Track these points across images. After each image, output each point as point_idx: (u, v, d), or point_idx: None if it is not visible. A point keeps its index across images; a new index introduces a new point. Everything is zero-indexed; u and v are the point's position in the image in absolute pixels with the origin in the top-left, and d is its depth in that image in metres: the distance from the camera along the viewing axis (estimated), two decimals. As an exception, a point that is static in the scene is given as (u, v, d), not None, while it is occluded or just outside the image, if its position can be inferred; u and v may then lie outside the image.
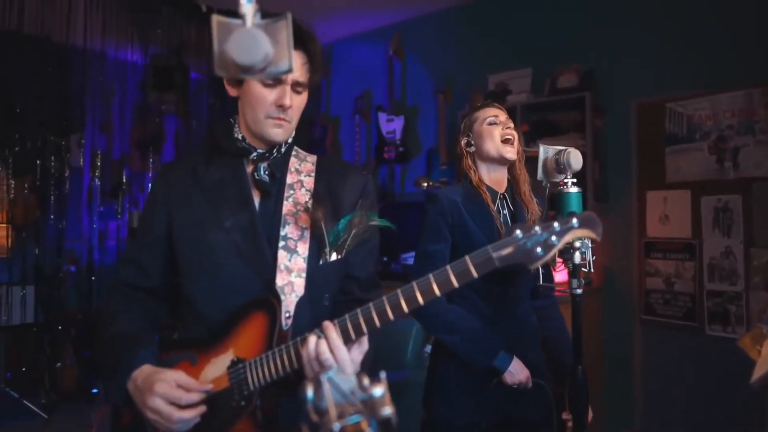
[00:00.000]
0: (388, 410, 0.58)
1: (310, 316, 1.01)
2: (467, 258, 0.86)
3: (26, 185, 3.58)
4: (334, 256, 1.06)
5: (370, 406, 0.59)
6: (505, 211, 1.53)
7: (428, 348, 2.80)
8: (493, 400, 1.43)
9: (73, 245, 4.13)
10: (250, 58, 0.71)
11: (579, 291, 1.23)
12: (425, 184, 3.54)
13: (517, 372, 1.41)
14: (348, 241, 1.05)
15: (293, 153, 1.15)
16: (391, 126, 3.96)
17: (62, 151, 3.73)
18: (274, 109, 1.04)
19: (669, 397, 2.86)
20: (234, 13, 0.72)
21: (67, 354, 3.59)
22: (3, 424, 3.28)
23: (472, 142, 1.54)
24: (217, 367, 1.00)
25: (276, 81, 1.02)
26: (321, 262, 1.05)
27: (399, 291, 0.90)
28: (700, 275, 2.78)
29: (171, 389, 0.95)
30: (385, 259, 3.63)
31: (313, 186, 1.11)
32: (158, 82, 3.98)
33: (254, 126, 1.08)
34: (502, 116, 1.54)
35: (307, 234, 1.06)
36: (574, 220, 0.87)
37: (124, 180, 4.25)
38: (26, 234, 3.60)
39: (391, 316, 0.90)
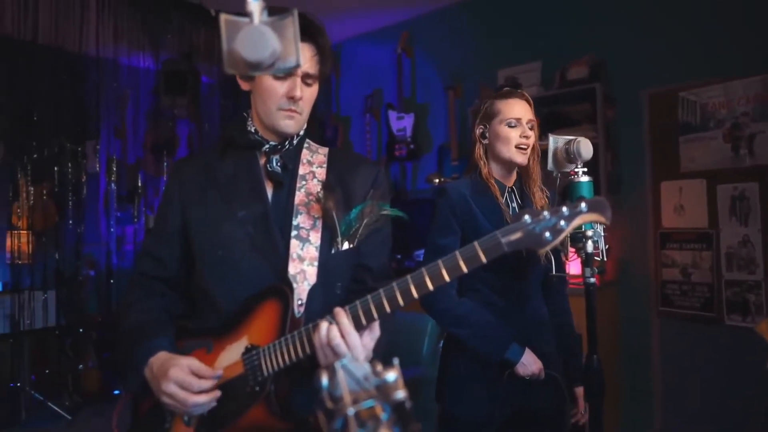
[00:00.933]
0: (401, 394, 0.59)
1: (323, 304, 1.03)
2: (476, 243, 0.87)
3: (45, 192, 3.66)
4: (345, 245, 1.07)
5: (383, 390, 0.60)
6: (513, 204, 1.52)
7: (442, 344, 2.82)
8: (506, 392, 1.43)
9: (91, 250, 4.21)
10: (258, 54, 0.72)
11: (592, 280, 1.22)
12: (437, 181, 3.54)
13: (529, 364, 1.41)
14: (360, 231, 1.07)
15: (305, 145, 1.18)
16: (402, 124, 3.97)
17: (79, 158, 3.81)
18: (286, 101, 1.07)
19: (688, 388, 2.83)
20: (242, 14, 0.74)
21: (89, 356, 3.66)
22: (28, 427, 3.35)
23: (487, 135, 1.52)
24: (232, 353, 1.02)
25: (286, 74, 1.04)
26: (333, 251, 1.07)
27: (409, 277, 0.90)
28: (718, 265, 2.74)
29: (185, 375, 0.98)
30: (399, 256, 3.64)
31: (324, 177, 1.13)
32: (170, 86, 4.04)
33: (266, 118, 1.10)
34: (525, 116, 1.49)
35: (319, 223, 1.08)
36: (583, 205, 0.86)
37: (140, 184, 4.32)
38: (46, 240, 3.68)
39: (401, 302, 0.91)
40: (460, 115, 3.72)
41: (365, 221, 1.06)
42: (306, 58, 1.04)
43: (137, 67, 4.11)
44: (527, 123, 1.49)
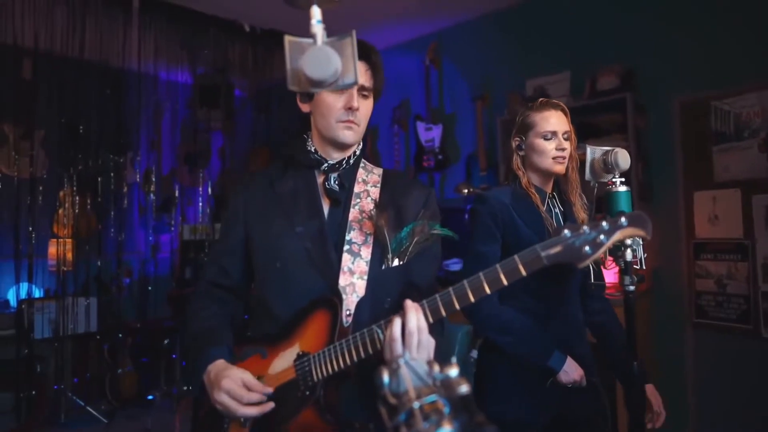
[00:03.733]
0: (465, 388, 0.62)
1: (370, 316, 1.08)
2: (516, 257, 0.90)
3: (88, 201, 3.81)
4: (396, 262, 1.12)
5: (447, 385, 0.64)
6: (556, 210, 1.54)
7: (474, 353, 2.82)
8: (547, 398, 1.44)
9: (129, 258, 4.35)
10: (323, 73, 0.78)
11: (632, 288, 1.24)
12: (465, 191, 3.56)
13: (571, 371, 1.42)
14: (410, 249, 1.12)
15: (361, 165, 1.25)
16: (430, 134, 4.01)
17: (119, 169, 3.96)
18: (344, 113, 1.15)
19: (723, 402, 2.77)
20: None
21: (126, 362, 3.77)
22: (66, 428, 3.46)
23: (524, 147, 1.55)
24: (285, 360, 1.08)
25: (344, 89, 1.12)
26: (383, 267, 1.12)
27: (451, 289, 0.94)
28: (754, 276, 2.70)
29: (236, 387, 1.04)
30: (427, 265, 3.66)
31: (378, 196, 1.19)
32: (204, 100, 4.17)
33: (327, 132, 1.18)
34: (561, 128, 1.51)
35: (370, 239, 1.14)
36: (623, 219, 0.88)
37: (176, 194, 4.45)
38: (88, 247, 3.82)
39: (443, 312, 0.95)
40: (488, 126, 3.75)
41: (416, 239, 1.11)
42: (361, 72, 1.13)
43: (175, 81, 4.26)
44: (563, 134, 1.51)
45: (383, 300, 1.12)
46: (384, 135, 4.48)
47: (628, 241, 1.25)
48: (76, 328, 3.56)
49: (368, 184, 1.22)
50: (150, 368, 3.91)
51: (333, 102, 1.15)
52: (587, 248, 0.88)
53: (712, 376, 2.82)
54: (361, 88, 1.16)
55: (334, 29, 0.78)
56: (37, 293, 3.70)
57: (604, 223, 0.89)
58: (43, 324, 3.47)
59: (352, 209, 1.17)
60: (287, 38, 0.81)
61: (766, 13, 2.71)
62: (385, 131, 4.46)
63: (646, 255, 1.26)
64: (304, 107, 1.21)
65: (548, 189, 1.57)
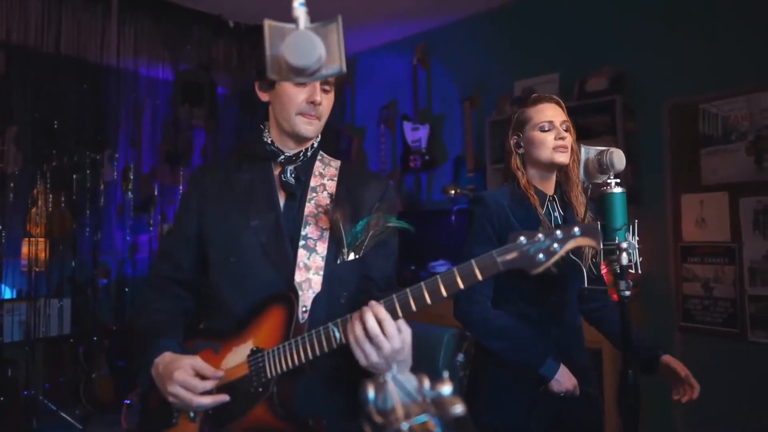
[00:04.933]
0: (459, 408, 0.57)
1: (326, 312, 1.07)
2: (473, 261, 0.90)
3: (62, 199, 3.68)
4: (351, 256, 1.11)
5: (439, 405, 0.58)
6: (555, 214, 1.49)
7: (460, 357, 2.77)
8: (543, 407, 1.40)
9: (105, 258, 4.22)
10: (305, 60, 0.72)
11: (627, 293, 1.20)
12: (453, 192, 3.52)
13: (564, 380, 1.37)
14: (365, 242, 1.11)
15: (318, 157, 1.23)
16: (417, 135, 3.97)
17: (97, 166, 3.84)
18: (306, 106, 1.13)
19: (711, 406, 2.76)
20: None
21: (102, 365, 3.65)
22: (40, 435, 3.35)
23: (522, 144, 1.49)
24: (238, 355, 1.07)
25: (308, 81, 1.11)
26: (338, 262, 1.11)
27: (408, 290, 0.94)
28: (741, 279, 2.69)
29: (188, 377, 1.03)
30: (413, 267, 3.61)
31: (334, 190, 1.18)
32: (187, 97, 4.07)
33: (286, 124, 1.15)
34: (558, 118, 1.45)
35: (326, 234, 1.13)
36: (576, 229, 0.89)
37: (155, 193, 4.34)
38: (62, 247, 3.69)
39: (413, 307, 0.94)
40: (477, 127, 3.71)
41: (371, 233, 1.11)
42: None
43: (156, 78, 4.16)
44: (561, 124, 1.46)
45: (339, 295, 1.12)
46: (371, 135, 4.42)
47: (624, 245, 1.20)
48: (48, 331, 3.44)
49: (325, 177, 1.20)
50: (127, 372, 3.80)
51: (294, 94, 1.13)
52: (541, 256, 0.89)
53: (699, 380, 2.78)
54: (324, 83, 1.14)
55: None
56: (9, 294, 3.57)
57: (558, 232, 0.90)
58: (13, 326, 3.34)
59: (308, 203, 1.16)
60: (267, 22, 0.74)
61: (756, 18, 2.71)
62: (372, 131, 4.41)
63: (641, 259, 1.22)
64: (263, 96, 1.19)
65: (549, 190, 1.51)
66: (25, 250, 3.65)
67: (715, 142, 2.79)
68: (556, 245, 0.89)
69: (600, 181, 1.31)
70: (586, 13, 3.28)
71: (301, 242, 1.11)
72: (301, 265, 1.09)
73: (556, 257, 0.89)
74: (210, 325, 1.17)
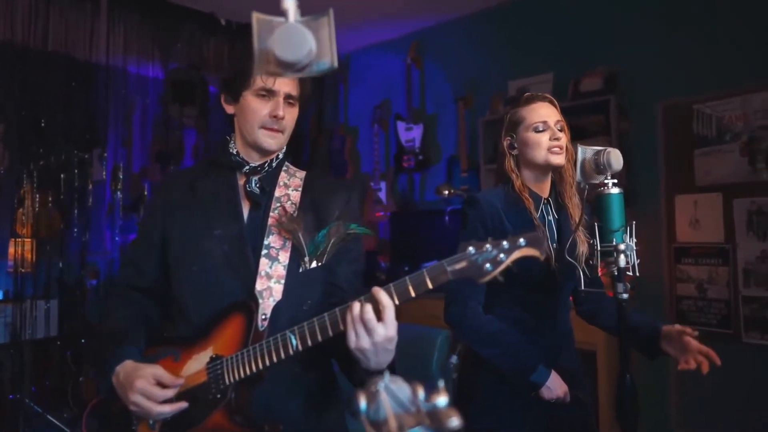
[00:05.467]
0: (455, 422, 0.54)
1: (288, 320, 1.07)
2: (425, 271, 0.93)
3: (50, 199, 3.62)
4: (314, 264, 1.13)
5: (434, 417, 0.56)
6: (549, 218, 1.46)
7: (453, 359, 2.74)
8: (535, 412, 1.38)
9: (95, 259, 4.16)
10: (295, 54, 0.69)
11: (625, 296, 1.17)
12: (446, 192, 3.50)
13: (555, 387, 1.35)
14: (328, 251, 1.13)
15: (284, 168, 1.25)
16: (410, 135, 3.94)
17: (85, 166, 3.77)
18: (269, 120, 1.15)
19: (705, 407, 2.76)
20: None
21: (90, 368, 3.59)
22: (27, 439, 3.29)
23: (516, 145, 1.46)
24: (198, 362, 1.09)
25: (269, 94, 1.14)
26: (300, 270, 1.13)
27: (362, 298, 0.95)
28: (735, 281, 2.69)
29: (149, 386, 1.04)
30: (407, 268, 3.59)
31: (299, 200, 1.20)
32: (178, 96, 4.02)
33: (250, 137, 1.17)
34: (552, 118, 1.42)
35: (288, 244, 1.14)
36: (521, 240, 0.92)
37: (145, 193, 4.29)
38: (50, 248, 3.63)
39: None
40: (470, 127, 3.69)
41: (332, 240, 1.12)
42: (287, 80, 1.12)
43: (146, 76, 4.10)
44: (555, 125, 1.43)
45: (302, 303, 1.13)
46: (364, 135, 4.39)
47: (622, 246, 1.18)
48: (34, 333, 3.37)
49: (290, 188, 1.22)
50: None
51: (258, 107, 1.15)
52: (488, 265, 0.91)
53: (693, 381, 2.80)
54: (288, 96, 1.16)
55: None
56: (-5, 295, 3.51)
57: (504, 243, 0.93)
58: (-1, 328, 3.29)
59: (272, 213, 1.17)
60: (255, 15, 0.71)
61: (749, 20, 2.71)
62: (365, 131, 4.38)
63: (639, 261, 1.20)
64: (229, 108, 1.21)
65: (544, 193, 1.48)
66: (11, 250, 3.58)
67: (709, 143, 2.79)
68: (502, 255, 0.91)
69: (597, 182, 1.28)
70: (581, 13, 3.27)
71: (264, 251, 1.13)
72: (262, 273, 1.11)
73: (502, 267, 0.91)
74: (172, 333, 1.20)
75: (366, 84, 4.40)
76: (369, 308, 0.94)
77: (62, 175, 3.60)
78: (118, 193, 4.03)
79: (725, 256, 2.73)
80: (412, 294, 0.93)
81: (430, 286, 0.92)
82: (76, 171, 3.68)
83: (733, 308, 2.69)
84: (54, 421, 3.36)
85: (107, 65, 3.65)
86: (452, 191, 3.47)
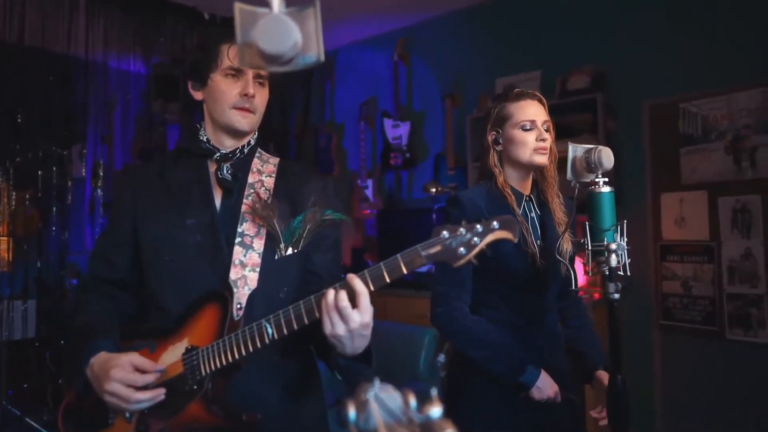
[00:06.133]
0: (450, 434, 0.51)
1: (264, 308, 1.05)
2: (399, 255, 0.92)
3: (27, 197, 3.53)
4: (289, 251, 1.11)
5: (427, 428, 0.53)
6: (532, 214, 1.45)
7: (441, 357, 2.73)
8: (525, 414, 1.36)
9: (76, 258, 4.07)
10: (279, 46, 0.66)
11: (616, 296, 1.16)
12: (433, 190, 3.48)
13: (545, 388, 1.33)
14: (304, 237, 1.11)
15: (257, 155, 1.22)
16: (397, 132, 3.91)
17: (64, 162, 3.68)
18: (239, 99, 1.12)
19: (690, 403, 2.78)
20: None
21: (65, 367, 3.52)
22: (4, 443, 3.21)
23: (501, 141, 1.44)
24: (173, 354, 1.07)
25: (238, 73, 1.11)
26: (276, 257, 1.10)
27: (337, 285, 0.95)
28: (720, 278, 2.71)
29: (127, 373, 1.01)
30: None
31: (272, 186, 1.17)
32: (161, 91, 3.94)
33: (221, 119, 1.14)
34: (540, 118, 1.41)
35: (263, 231, 1.11)
36: (495, 223, 0.91)
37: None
38: (27, 247, 3.54)
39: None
40: (457, 124, 3.68)
41: (308, 227, 1.10)
42: None
43: (127, 71, 4.01)
44: (542, 125, 1.41)
45: (278, 291, 1.11)
46: (350, 132, 4.35)
47: (613, 246, 1.16)
48: (11, 334, 3.29)
49: (263, 174, 1.19)
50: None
51: (227, 87, 1.12)
52: (462, 249, 0.90)
53: (678, 378, 2.82)
54: (257, 76, 1.13)
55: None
56: (-30, 297, 3.41)
57: (478, 226, 0.92)
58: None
59: (245, 200, 1.14)
60: (238, 5, 0.68)
61: (735, 19, 2.72)
62: (351, 128, 4.33)
63: (630, 260, 1.18)
64: (197, 95, 1.18)
65: (526, 190, 1.47)
66: (-13, 250, 3.49)
67: (695, 142, 2.80)
68: (476, 239, 0.90)
69: (587, 180, 1.27)
70: (568, 10, 3.27)
71: (237, 239, 1.10)
72: (236, 262, 1.09)
73: (476, 250, 0.90)
74: (146, 325, 1.17)
75: (352, 81, 4.36)
76: (343, 295, 0.92)
77: (40, 172, 3.51)
78: (99, 190, 3.94)
79: (710, 253, 2.75)
80: (387, 279, 0.92)
81: (404, 270, 0.91)
82: (54, 168, 3.58)
83: (717, 305, 2.71)
84: (33, 423, 3.29)
85: (86, 60, 3.56)
86: (439, 189, 3.45)
